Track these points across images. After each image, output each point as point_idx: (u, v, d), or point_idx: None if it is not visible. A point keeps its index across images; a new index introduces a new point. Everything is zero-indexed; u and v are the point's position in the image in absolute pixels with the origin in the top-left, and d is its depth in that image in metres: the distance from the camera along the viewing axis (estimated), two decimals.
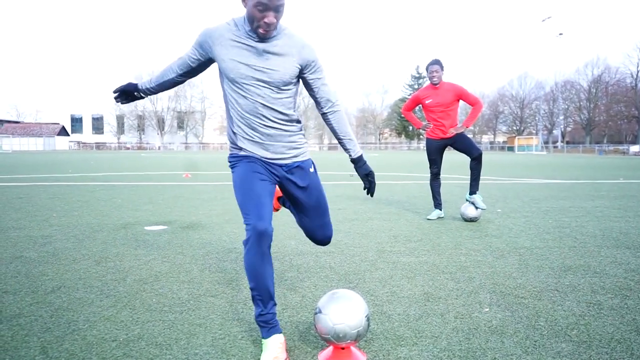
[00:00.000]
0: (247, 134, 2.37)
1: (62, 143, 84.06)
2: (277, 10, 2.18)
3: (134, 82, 2.66)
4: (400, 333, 2.51)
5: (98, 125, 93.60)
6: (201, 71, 2.52)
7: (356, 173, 2.57)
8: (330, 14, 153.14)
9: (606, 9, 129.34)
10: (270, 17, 2.17)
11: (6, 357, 2.21)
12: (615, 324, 2.62)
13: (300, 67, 2.36)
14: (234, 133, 2.42)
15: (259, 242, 2.21)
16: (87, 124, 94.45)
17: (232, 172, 2.44)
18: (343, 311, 2.14)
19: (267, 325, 2.28)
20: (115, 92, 2.65)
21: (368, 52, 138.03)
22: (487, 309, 2.85)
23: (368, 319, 2.19)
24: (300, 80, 2.44)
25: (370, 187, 2.54)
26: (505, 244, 4.68)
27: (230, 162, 2.49)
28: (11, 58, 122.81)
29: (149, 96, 2.73)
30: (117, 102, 2.68)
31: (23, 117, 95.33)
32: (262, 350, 2.26)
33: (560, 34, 76.61)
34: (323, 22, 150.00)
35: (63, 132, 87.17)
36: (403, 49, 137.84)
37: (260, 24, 2.19)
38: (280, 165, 2.43)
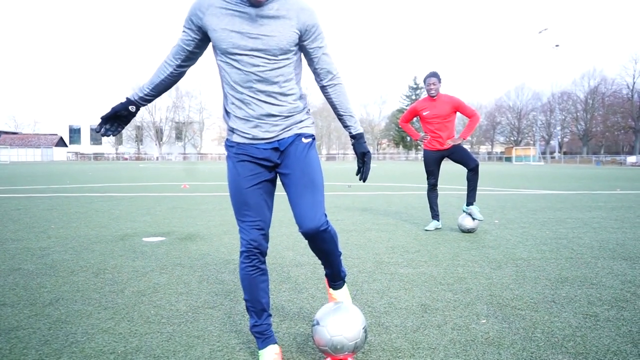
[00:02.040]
0: (240, 111, 2.17)
1: (60, 154, 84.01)
2: None
3: (123, 100, 2.33)
4: (398, 345, 2.52)
5: (96, 136, 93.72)
6: (200, 54, 2.28)
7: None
8: (328, 25, 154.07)
9: (602, 21, 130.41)
10: None
11: None
12: (612, 335, 2.63)
13: (299, 32, 2.14)
14: (227, 112, 2.24)
15: (252, 255, 2.22)
16: (85, 135, 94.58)
17: (227, 161, 2.30)
18: (340, 323, 2.15)
19: (262, 336, 2.29)
20: (103, 119, 2.28)
21: (366, 63, 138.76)
22: (484, 321, 2.86)
23: (365, 331, 2.20)
24: (300, 48, 2.22)
25: (363, 168, 2.33)
26: (502, 255, 4.70)
27: (226, 146, 2.32)
28: (9, 69, 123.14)
29: (146, 105, 2.39)
30: (106, 135, 2.30)
31: (21, 128, 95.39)
32: None
33: (557, 45, 77.28)
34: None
35: (61, 142, 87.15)
36: (401, 60, 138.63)
37: None
38: (275, 147, 2.21)
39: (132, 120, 2.41)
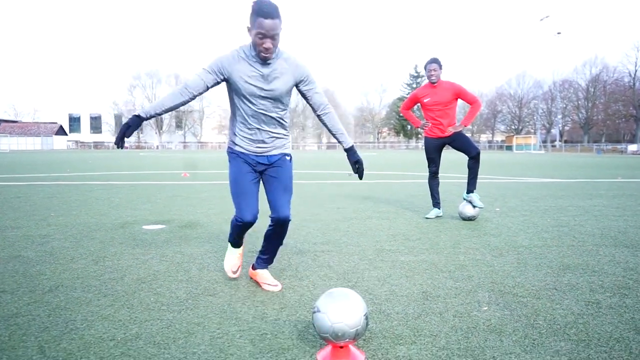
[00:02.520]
0: (246, 134, 3.05)
1: (60, 142, 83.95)
2: (273, 38, 2.78)
3: (132, 117, 2.88)
4: (399, 332, 2.50)
5: (96, 124, 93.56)
6: (211, 88, 3.01)
7: (351, 173, 2.77)
8: (328, 13, 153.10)
9: (604, 8, 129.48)
10: (267, 43, 2.78)
11: (3, 357, 2.21)
12: (614, 322, 2.62)
13: (295, 82, 3.02)
14: (234, 134, 3.09)
15: (243, 227, 3.15)
16: (85, 124, 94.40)
17: (229, 162, 3.14)
18: (341, 310, 2.13)
19: (235, 244, 3.38)
20: (121, 138, 2.81)
21: (366, 51, 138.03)
22: (485, 308, 2.85)
23: (366, 318, 2.19)
24: (297, 91, 3.10)
25: (358, 171, 3.15)
26: (503, 242, 4.68)
27: (228, 151, 3.16)
28: (9, 57, 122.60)
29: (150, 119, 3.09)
30: (122, 147, 2.88)
31: (21, 116, 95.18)
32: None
33: (559, 33, 76.82)
34: (321, 21, 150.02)
35: (61, 131, 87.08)
36: (401, 48, 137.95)
37: (261, 49, 2.81)
38: (265, 160, 3.10)
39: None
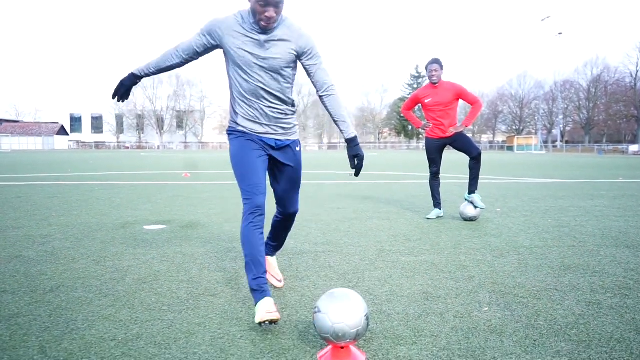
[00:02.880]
0: (246, 113, 2.73)
1: (61, 142, 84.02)
2: (277, 5, 2.48)
3: (127, 74, 2.80)
4: (400, 332, 2.50)
5: (97, 124, 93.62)
6: (203, 55, 2.77)
7: (352, 174, 2.69)
8: (329, 13, 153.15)
9: (606, 9, 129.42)
10: (270, 12, 2.48)
11: (5, 357, 2.21)
12: (615, 323, 2.62)
13: (296, 53, 2.67)
14: (236, 112, 2.76)
15: (254, 213, 2.62)
16: (86, 124, 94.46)
17: (230, 143, 2.80)
18: (342, 310, 2.13)
19: (260, 288, 2.58)
20: (118, 94, 2.76)
21: (367, 51, 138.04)
22: (486, 308, 2.85)
23: (367, 318, 2.19)
24: (301, 65, 2.75)
25: (356, 168, 2.76)
26: (504, 243, 4.68)
27: (228, 132, 2.83)
28: (10, 57, 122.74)
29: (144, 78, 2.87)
30: (122, 101, 2.85)
31: (22, 116, 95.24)
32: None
33: (560, 33, 76.69)
34: (322, 21, 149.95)
35: (62, 131, 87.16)
36: (402, 48, 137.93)
37: (262, 18, 2.50)
38: (272, 142, 2.78)
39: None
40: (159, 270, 3.66)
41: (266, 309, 2.46)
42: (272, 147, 2.78)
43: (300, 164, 2.94)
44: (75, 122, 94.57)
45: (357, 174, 2.80)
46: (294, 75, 2.78)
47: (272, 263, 3.27)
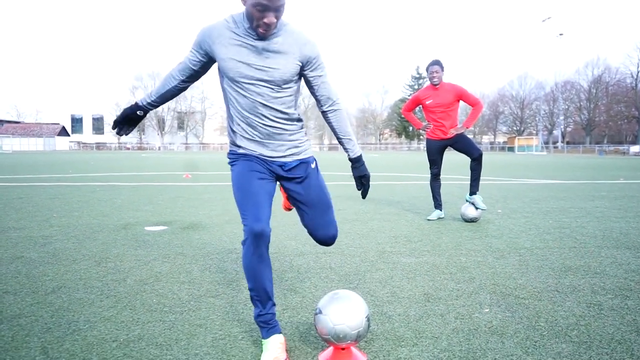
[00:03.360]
0: (246, 133, 2.35)
1: (62, 143, 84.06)
2: (278, 10, 2.14)
3: (132, 103, 2.55)
4: (401, 333, 2.51)
5: (98, 125, 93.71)
6: (204, 73, 2.46)
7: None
8: (330, 14, 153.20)
9: (606, 9, 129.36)
10: (270, 18, 2.13)
11: (7, 358, 2.22)
12: (616, 324, 2.62)
13: (301, 64, 2.31)
14: (234, 132, 2.40)
15: (256, 243, 2.23)
16: (87, 124, 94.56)
17: (231, 169, 2.42)
18: (343, 312, 2.14)
19: (266, 325, 2.30)
20: (116, 122, 2.49)
21: (368, 52, 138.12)
22: (487, 310, 2.85)
23: (368, 320, 2.19)
24: (301, 77, 2.40)
25: (363, 190, 2.53)
26: (505, 244, 4.68)
27: (229, 159, 2.45)
28: (11, 58, 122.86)
29: (152, 110, 2.57)
30: (120, 134, 2.53)
31: (23, 117, 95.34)
32: (262, 351, 2.27)
33: (561, 34, 76.70)
34: (323, 22, 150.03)
35: (63, 132, 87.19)
36: (403, 49, 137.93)
37: (260, 24, 2.14)
38: (280, 165, 2.39)
39: (133, 128, 2.58)
40: (160, 272, 3.67)
41: (274, 355, 2.18)
42: (282, 170, 2.40)
43: (321, 182, 2.52)
44: (76, 123, 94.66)
45: (364, 196, 2.56)
46: (299, 86, 2.42)
47: None
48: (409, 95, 79.02)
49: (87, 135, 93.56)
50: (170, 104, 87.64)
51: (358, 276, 3.58)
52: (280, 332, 2.32)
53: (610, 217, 6.39)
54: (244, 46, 2.24)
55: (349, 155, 2.50)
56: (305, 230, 2.57)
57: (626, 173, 17.04)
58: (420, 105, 6.28)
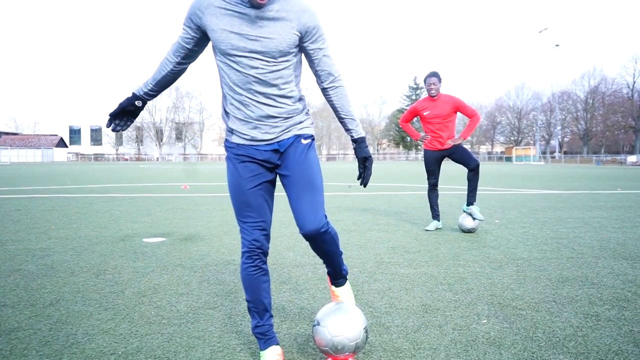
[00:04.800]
0: (239, 114, 2.17)
1: (60, 154, 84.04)
2: None
3: (129, 95, 2.37)
4: (399, 345, 2.51)
5: (96, 136, 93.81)
6: (200, 52, 2.27)
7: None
8: (328, 25, 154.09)
9: (602, 21, 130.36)
10: None
11: None
12: (613, 335, 2.63)
13: (299, 34, 2.12)
14: (227, 113, 2.24)
15: (255, 255, 2.23)
16: (85, 136, 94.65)
17: (226, 162, 2.30)
18: (341, 323, 2.15)
19: (263, 337, 2.29)
20: (111, 115, 2.33)
21: (366, 63, 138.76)
22: (485, 321, 2.86)
23: (366, 331, 2.20)
24: (301, 50, 2.22)
25: (364, 173, 2.35)
26: (503, 255, 4.70)
27: (225, 145, 2.32)
28: (9, 69, 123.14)
29: (151, 99, 2.40)
30: (116, 130, 2.37)
31: (21, 128, 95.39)
32: None
33: (557, 45, 77.14)
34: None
35: (61, 143, 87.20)
36: (401, 60, 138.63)
37: None
38: (275, 149, 2.21)
39: (132, 121, 2.43)
40: (159, 283, 3.67)
41: None
42: (278, 155, 2.23)
43: (312, 162, 2.27)
44: (75, 134, 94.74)
45: (365, 182, 2.37)
46: (299, 61, 2.24)
47: (339, 294, 2.57)
48: (406, 106, 79.31)
49: (85, 146, 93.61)
50: (168, 114, 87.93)
51: (356, 287, 3.59)
52: (278, 344, 2.32)
53: (608, 227, 6.41)
54: (236, 15, 2.05)
55: (352, 135, 2.34)
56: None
57: (623, 183, 17.09)
58: (418, 116, 6.32)
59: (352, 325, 2.15)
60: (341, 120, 2.35)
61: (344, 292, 2.57)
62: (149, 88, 2.32)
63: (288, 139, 2.22)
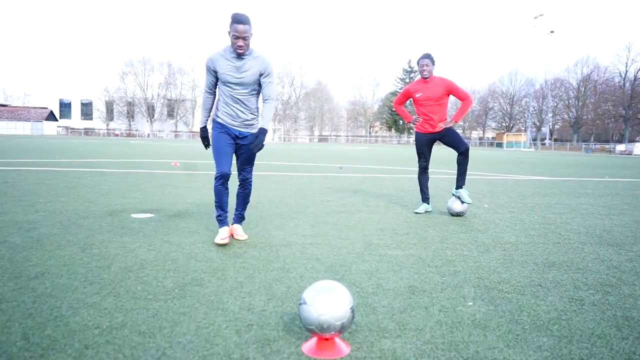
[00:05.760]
0: (226, 112, 4.15)
1: (50, 128, 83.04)
2: (245, 38, 3.88)
3: (201, 130, 4.36)
4: (385, 325, 2.52)
5: (87, 110, 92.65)
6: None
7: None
8: (322, 6, 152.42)
9: (597, 8, 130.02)
10: (240, 42, 3.88)
11: None
12: (596, 319, 2.66)
13: (260, 74, 4.07)
14: (218, 109, 4.19)
15: (222, 179, 4.14)
16: (75, 110, 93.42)
17: (213, 128, 4.21)
18: (328, 302, 2.14)
19: (221, 221, 4.26)
20: (205, 143, 4.35)
21: (360, 45, 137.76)
22: (471, 303, 2.88)
23: (353, 311, 2.20)
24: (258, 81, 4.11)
25: (255, 141, 4.04)
26: (490, 239, 4.72)
27: (213, 119, 4.23)
28: None
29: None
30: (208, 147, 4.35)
31: (10, 100, 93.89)
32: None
33: (552, 31, 77.05)
34: (315, 15, 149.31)
35: (51, 117, 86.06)
36: (395, 42, 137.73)
37: (236, 47, 3.92)
38: (238, 131, 4.19)
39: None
40: (146, 259, 3.65)
41: (221, 236, 4.16)
42: (239, 137, 4.20)
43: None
44: (65, 107, 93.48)
45: (254, 150, 4.05)
46: (258, 90, 4.16)
47: (236, 229, 4.49)
48: (400, 89, 79.07)
49: (76, 120, 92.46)
50: (160, 91, 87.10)
51: (344, 267, 3.59)
52: (228, 225, 4.31)
53: (595, 214, 6.47)
54: (230, 66, 4.04)
55: (260, 125, 4.13)
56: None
57: (611, 171, 17.23)
58: (411, 99, 6.28)
59: (339, 305, 2.15)
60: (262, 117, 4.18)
61: (238, 228, 4.50)
62: (207, 118, 4.32)
63: (245, 132, 4.23)
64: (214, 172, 4.15)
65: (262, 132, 4.07)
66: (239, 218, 4.57)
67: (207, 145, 4.29)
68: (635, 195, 9.10)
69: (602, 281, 3.38)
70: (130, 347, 2.19)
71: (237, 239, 4.38)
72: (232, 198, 4.78)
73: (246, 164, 4.35)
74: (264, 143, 4.09)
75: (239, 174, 4.40)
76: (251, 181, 4.43)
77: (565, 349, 2.28)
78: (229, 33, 3.90)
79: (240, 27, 3.84)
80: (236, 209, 4.52)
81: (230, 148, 4.15)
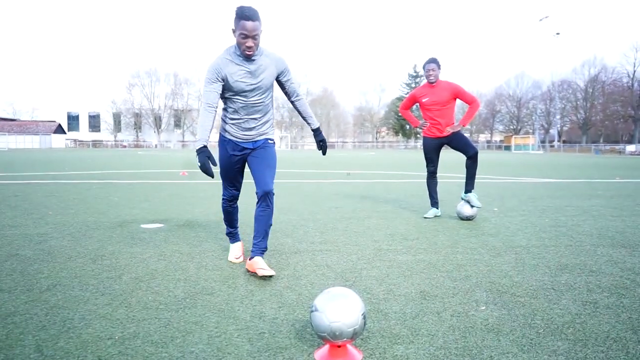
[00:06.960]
0: (235, 123, 3.52)
1: (58, 141, 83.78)
2: (254, 37, 3.20)
3: (201, 148, 3.32)
4: (397, 331, 2.51)
5: (95, 123, 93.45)
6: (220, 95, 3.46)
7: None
8: (327, 12, 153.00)
9: (603, 9, 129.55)
10: (249, 42, 3.20)
11: (1, 356, 2.20)
12: (611, 322, 2.63)
13: (277, 73, 3.50)
14: (225, 122, 3.57)
15: (229, 200, 3.83)
16: (83, 122, 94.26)
17: (218, 146, 3.66)
18: (339, 309, 2.13)
19: (233, 237, 4.00)
20: (206, 170, 3.30)
21: (365, 50, 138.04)
22: (483, 308, 2.85)
23: (364, 317, 2.19)
24: (276, 81, 3.56)
25: (322, 148, 3.82)
26: (501, 242, 4.69)
27: (220, 139, 3.65)
28: (8, 55, 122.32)
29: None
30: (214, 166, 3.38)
31: (19, 114, 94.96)
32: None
33: (558, 33, 76.73)
34: (321, 21, 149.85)
35: (59, 130, 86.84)
36: (400, 47, 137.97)
37: (244, 48, 3.23)
38: (251, 143, 3.58)
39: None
40: (156, 269, 3.65)
41: (234, 254, 3.91)
42: (250, 149, 3.58)
43: (273, 153, 3.65)
44: (73, 120, 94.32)
45: (324, 153, 3.83)
46: (272, 96, 3.61)
47: (257, 262, 3.48)
48: (406, 94, 79.07)
49: (84, 132, 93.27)
50: (167, 101, 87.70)
51: (354, 274, 3.58)
52: (240, 241, 4.03)
53: (606, 215, 6.41)
54: (244, 71, 3.38)
55: (311, 127, 3.83)
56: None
57: (622, 172, 17.10)
58: (418, 103, 6.27)
59: (351, 311, 2.14)
60: (305, 118, 3.81)
61: (260, 261, 3.48)
62: (208, 135, 3.40)
63: (261, 140, 3.61)
64: (221, 193, 3.81)
65: (320, 131, 3.75)
66: (261, 250, 3.54)
67: (211, 174, 3.31)
68: None
69: (616, 283, 3.34)
70: (143, 357, 2.19)
71: (262, 275, 3.36)
72: (242, 214, 4.77)
73: (267, 171, 3.50)
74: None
75: (259, 187, 3.46)
76: (273, 194, 3.50)
77: (581, 352, 2.26)
78: (234, 31, 3.21)
79: (249, 24, 3.13)
80: (255, 237, 3.52)
81: (240, 167, 3.65)
